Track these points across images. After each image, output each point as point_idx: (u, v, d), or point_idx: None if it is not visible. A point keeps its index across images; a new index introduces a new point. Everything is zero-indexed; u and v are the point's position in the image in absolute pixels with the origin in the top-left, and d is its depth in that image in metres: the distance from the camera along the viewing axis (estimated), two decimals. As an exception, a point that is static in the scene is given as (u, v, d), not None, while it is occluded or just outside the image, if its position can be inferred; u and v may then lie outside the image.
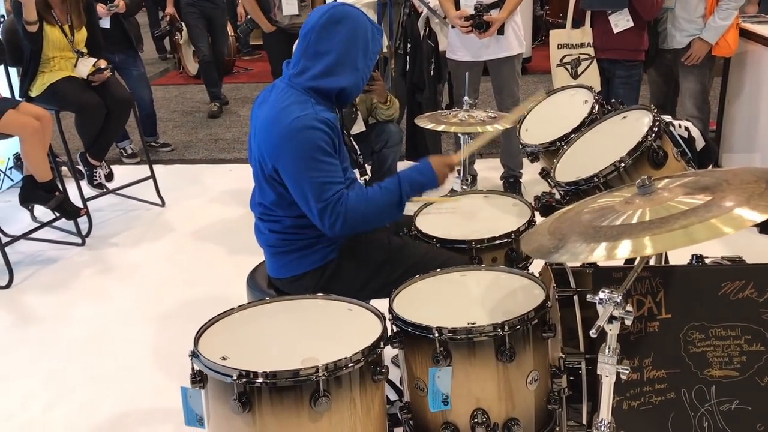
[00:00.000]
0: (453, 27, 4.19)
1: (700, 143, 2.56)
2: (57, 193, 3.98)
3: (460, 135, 3.16)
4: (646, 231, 1.50)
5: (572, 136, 2.61)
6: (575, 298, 2.06)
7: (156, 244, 4.21)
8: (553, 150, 2.64)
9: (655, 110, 2.37)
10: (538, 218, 2.42)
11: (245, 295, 2.44)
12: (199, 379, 1.76)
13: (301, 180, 2.10)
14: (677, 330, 2.03)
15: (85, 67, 4.27)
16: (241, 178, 4.96)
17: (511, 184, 4.52)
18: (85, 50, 4.36)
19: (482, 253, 2.39)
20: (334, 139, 2.14)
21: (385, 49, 4.88)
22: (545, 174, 2.56)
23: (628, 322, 1.62)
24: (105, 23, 4.92)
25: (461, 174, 3.09)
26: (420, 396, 1.89)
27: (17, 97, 4.37)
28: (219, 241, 4.16)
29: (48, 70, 4.24)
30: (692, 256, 2.14)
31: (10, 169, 4.93)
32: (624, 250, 1.48)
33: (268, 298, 2.10)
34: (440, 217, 2.62)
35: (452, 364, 1.79)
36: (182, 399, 1.80)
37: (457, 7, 4.10)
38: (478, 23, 4.02)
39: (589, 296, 1.64)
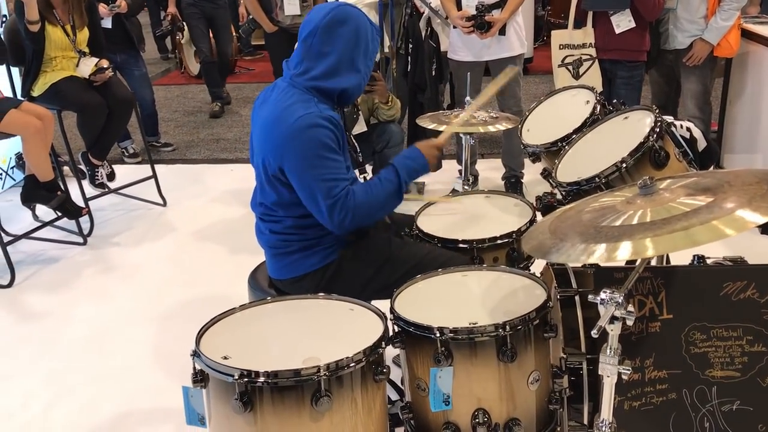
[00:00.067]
0: (455, 27, 4.19)
1: (701, 144, 2.56)
2: (59, 193, 3.99)
3: (461, 135, 3.16)
4: (647, 232, 1.50)
5: (574, 136, 2.61)
6: (577, 298, 2.06)
7: (157, 243, 4.21)
8: (555, 150, 2.64)
9: (657, 111, 2.37)
10: (540, 218, 2.42)
11: (246, 294, 2.44)
12: (200, 378, 1.76)
13: (309, 178, 2.10)
14: (679, 330, 2.03)
15: (87, 66, 4.28)
16: (242, 178, 4.97)
17: (513, 185, 4.52)
18: (87, 50, 4.37)
19: (483, 254, 2.39)
20: (339, 136, 2.15)
21: (386, 50, 4.88)
22: (547, 174, 2.56)
23: (629, 323, 1.61)
24: (107, 23, 4.92)
25: (463, 174, 3.09)
26: (421, 396, 1.89)
27: (19, 96, 4.38)
28: (220, 241, 4.16)
29: (50, 69, 4.24)
30: (694, 256, 2.14)
31: (12, 168, 4.94)
32: (624, 251, 1.48)
33: (269, 298, 2.10)
34: (441, 217, 2.62)
35: (453, 364, 1.79)
36: (184, 398, 1.80)
37: (459, 7, 4.10)
38: (480, 23, 4.02)
39: (590, 296, 1.64)
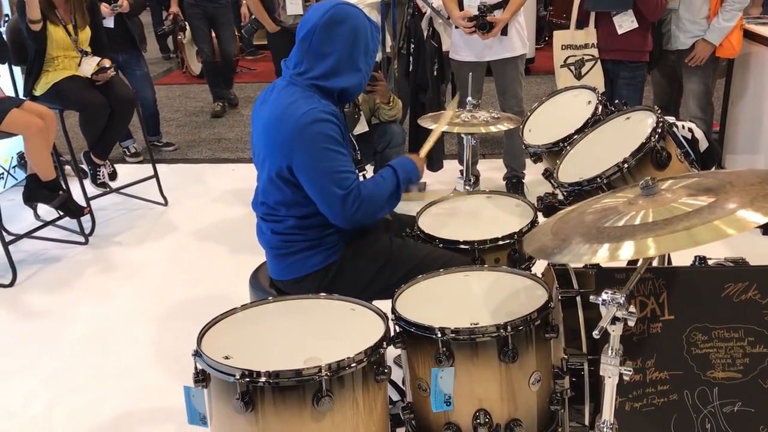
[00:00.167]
0: (456, 27, 4.18)
1: (703, 144, 2.56)
2: (60, 192, 3.99)
3: (463, 135, 3.16)
4: (649, 232, 1.50)
5: (575, 136, 2.61)
6: (578, 299, 2.06)
7: (159, 243, 4.22)
8: (556, 151, 2.64)
9: (659, 111, 2.37)
10: (541, 219, 2.42)
11: (248, 294, 2.44)
12: (202, 378, 1.76)
13: (319, 172, 2.10)
14: (680, 331, 2.03)
15: (89, 66, 4.28)
16: (244, 177, 4.97)
17: (514, 185, 4.52)
18: (89, 49, 4.37)
19: (485, 254, 2.38)
20: (343, 130, 2.16)
21: (388, 50, 4.88)
22: (548, 175, 2.56)
23: (630, 324, 1.61)
24: (109, 23, 4.93)
25: (464, 174, 3.09)
26: (422, 396, 1.89)
27: (21, 96, 4.38)
28: (222, 241, 4.16)
29: (52, 69, 4.25)
30: (695, 257, 2.14)
31: (14, 167, 4.95)
32: (627, 251, 1.48)
33: (270, 298, 2.10)
34: (443, 217, 2.62)
35: (455, 365, 1.79)
36: (185, 398, 1.80)
37: (461, 7, 4.10)
38: (482, 24, 4.02)
39: (592, 297, 1.64)
